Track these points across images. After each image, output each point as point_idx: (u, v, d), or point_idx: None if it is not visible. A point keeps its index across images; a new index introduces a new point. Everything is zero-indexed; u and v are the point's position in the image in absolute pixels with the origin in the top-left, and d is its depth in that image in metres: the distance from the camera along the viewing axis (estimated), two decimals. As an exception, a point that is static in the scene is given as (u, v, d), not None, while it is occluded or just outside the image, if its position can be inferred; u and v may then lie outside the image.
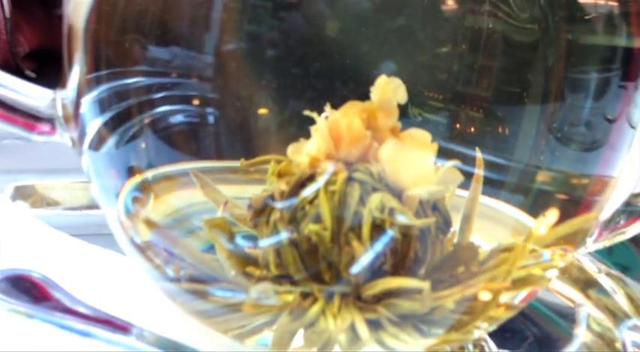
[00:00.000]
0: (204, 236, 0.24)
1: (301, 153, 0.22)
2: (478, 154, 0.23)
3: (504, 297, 0.24)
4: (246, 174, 0.24)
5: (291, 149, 0.22)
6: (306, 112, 0.22)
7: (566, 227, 0.24)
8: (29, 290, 0.26)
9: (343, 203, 0.21)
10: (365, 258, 0.21)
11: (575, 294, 0.31)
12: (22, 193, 0.37)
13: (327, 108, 0.22)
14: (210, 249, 0.24)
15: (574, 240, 0.25)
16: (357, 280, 0.22)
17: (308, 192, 0.22)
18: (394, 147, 0.22)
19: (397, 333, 0.22)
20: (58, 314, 0.25)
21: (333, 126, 0.22)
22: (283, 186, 0.22)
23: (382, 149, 0.22)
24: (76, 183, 0.38)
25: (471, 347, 0.26)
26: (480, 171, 0.23)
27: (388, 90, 0.22)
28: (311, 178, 0.22)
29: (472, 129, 0.24)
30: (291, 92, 0.23)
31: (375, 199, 0.21)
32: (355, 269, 0.21)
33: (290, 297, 0.22)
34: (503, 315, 0.25)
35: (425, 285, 0.22)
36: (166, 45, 0.23)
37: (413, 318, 0.22)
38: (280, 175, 0.22)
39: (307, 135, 0.22)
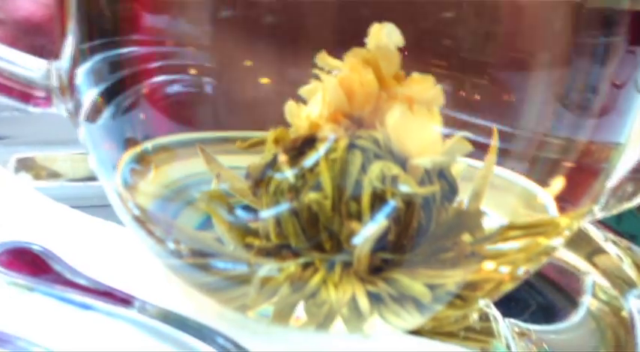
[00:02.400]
0: (203, 208, 0.23)
1: (300, 117, 0.22)
2: (494, 125, 0.23)
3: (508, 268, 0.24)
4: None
5: (288, 109, 0.22)
6: (315, 71, 0.21)
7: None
8: (29, 262, 0.26)
9: (344, 171, 0.21)
10: (366, 229, 0.21)
11: (580, 262, 0.30)
12: (23, 165, 0.37)
13: (325, 59, 0.21)
14: (209, 221, 0.23)
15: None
16: (358, 251, 0.21)
17: (309, 161, 0.21)
18: (401, 114, 0.21)
19: (398, 310, 0.22)
20: (59, 286, 0.24)
21: (344, 82, 0.21)
22: (282, 153, 0.22)
23: (389, 115, 0.21)
24: (77, 154, 0.37)
25: (475, 315, 0.26)
26: (495, 142, 0.22)
27: (382, 36, 0.21)
28: (311, 143, 0.21)
29: (476, 97, 0.23)
30: (290, 59, 0.22)
31: (375, 169, 0.21)
32: (356, 240, 0.21)
33: (291, 267, 0.22)
34: (507, 286, 0.24)
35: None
36: (162, 13, 0.23)
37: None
38: (277, 141, 0.22)
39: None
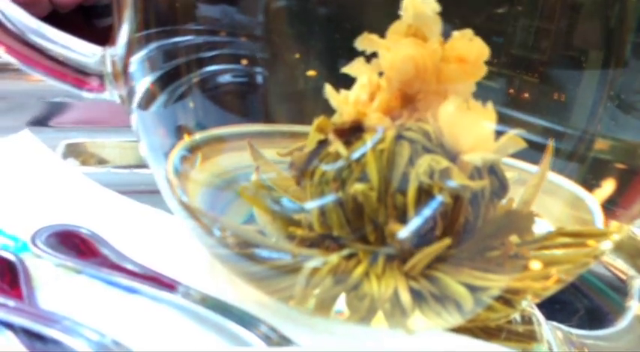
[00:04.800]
0: (246, 199, 0.23)
1: (346, 101, 0.21)
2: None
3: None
4: (294, 138, 0.23)
5: (328, 92, 0.21)
6: (361, 44, 0.21)
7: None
8: (77, 245, 0.26)
9: (392, 162, 0.21)
10: (411, 223, 0.21)
11: (627, 267, 0.30)
12: (72, 151, 0.37)
13: (368, 39, 0.21)
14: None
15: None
16: (402, 244, 0.21)
17: (356, 153, 0.21)
18: (455, 108, 0.21)
19: (439, 310, 0.22)
20: (106, 270, 0.25)
21: (398, 62, 0.21)
22: (332, 137, 0.21)
23: (442, 108, 0.21)
24: (125, 142, 0.38)
25: (518, 318, 0.26)
26: (549, 153, 0.22)
27: (418, 4, 0.21)
28: (357, 132, 0.21)
29: (527, 95, 0.23)
30: (342, 52, 0.22)
31: (423, 163, 0.21)
32: (401, 234, 0.21)
33: (334, 259, 0.22)
34: (552, 289, 0.24)
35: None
36: (216, 3, 0.23)
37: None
38: (320, 129, 0.22)
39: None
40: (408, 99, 0.21)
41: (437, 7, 0.21)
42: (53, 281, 0.25)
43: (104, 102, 0.27)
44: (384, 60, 0.21)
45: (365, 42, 0.21)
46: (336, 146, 0.21)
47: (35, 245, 0.26)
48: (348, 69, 0.21)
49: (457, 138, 0.21)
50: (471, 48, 0.21)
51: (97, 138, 0.38)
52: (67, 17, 0.53)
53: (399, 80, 0.21)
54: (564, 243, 0.23)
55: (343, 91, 0.22)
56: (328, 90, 0.21)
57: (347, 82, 0.22)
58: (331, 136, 0.21)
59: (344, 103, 0.21)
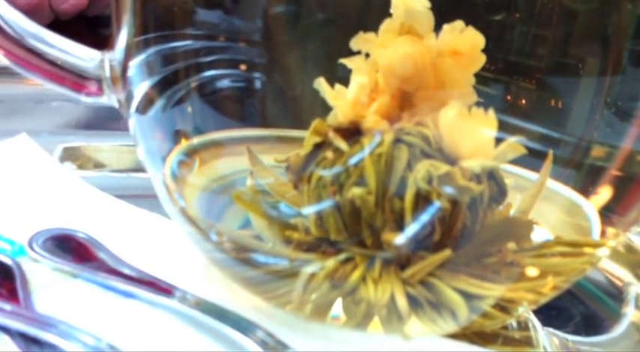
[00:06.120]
0: (242, 205, 0.23)
1: (343, 98, 0.21)
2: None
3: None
4: (293, 143, 0.23)
5: (321, 87, 0.21)
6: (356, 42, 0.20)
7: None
8: (74, 249, 0.26)
9: (390, 167, 0.21)
10: (408, 229, 0.21)
11: (624, 273, 0.30)
12: (70, 155, 0.37)
13: (364, 39, 0.21)
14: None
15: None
16: (399, 250, 0.21)
17: (352, 159, 0.21)
18: (456, 114, 0.21)
19: (434, 317, 0.22)
20: (102, 274, 0.25)
21: (396, 60, 0.21)
22: (332, 135, 0.21)
23: (443, 113, 0.21)
24: (122, 146, 0.38)
25: (514, 324, 0.26)
26: (548, 163, 0.22)
27: (407, 2, 0.21)
28: (354, 135, 0.21)
29: (524, 102, 0.23)
30: (340, 57, 0.22)
31: (421, 169, 0.21)
32: (398, 239, 0.21)
33: (330, 263, 0.22)
34: (548, 295, 0.24)
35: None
36: (215, 8, 0.23)
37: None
38: (316, 132, 0.21)
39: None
40: (407, 98, 0.21)
41: (427, 3, 0.21)
42: (50, 285, 0.25)
43: (102, 107, 0.27)
44: (382, 59, 0.21)
45: (360, 41, 0.21)
46: (337, 142, 0.21)
47: (32, 249, 0.26)
48: (348, 61, 0.21)
49: (457, 144, 0.21)
50: (463, 39, 0.21)
51: (94, 142, 0.38)
52: (71, 27, 0.53)
53: (398, 78, 0.21)
54: (561, 252, 0.23)
55: (337, 86, 0.22)
56: (321, 84, 0.21)
57: (345, 85, 0.22)
58: (330, 134, 0.21)
59: (337, 99, 0.21)
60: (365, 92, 0.21)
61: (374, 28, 0.21)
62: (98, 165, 0.38)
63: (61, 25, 0.51)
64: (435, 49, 0.21)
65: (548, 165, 0.22)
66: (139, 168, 0.27)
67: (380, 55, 0.21)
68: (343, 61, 0.21)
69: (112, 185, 0.34)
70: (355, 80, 0.21)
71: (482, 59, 0.21)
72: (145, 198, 0.28)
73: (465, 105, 0.21)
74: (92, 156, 0.38)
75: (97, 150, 0.38)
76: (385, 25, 0.21)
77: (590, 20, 0.23)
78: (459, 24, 0.21)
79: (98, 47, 0.26)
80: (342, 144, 0.21)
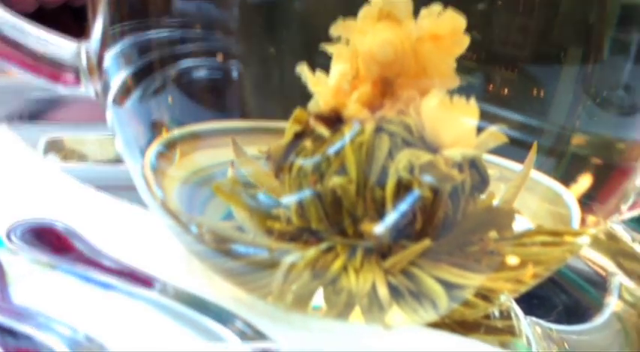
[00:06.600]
0: (222, 196, 0.23)
1: (324, 84, 0.21)
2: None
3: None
4: (275, 134, 0.23)
5: (303, 74, 0.21)
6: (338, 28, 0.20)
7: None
8: (52, 241, 0.26)
9: (371, 156, 0.21)
10: (389, 218, 0.21)
11: (607, 263, 0.30)
12: (52, 147, 0.37)
13: (343, 25, 0.20)
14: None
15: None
16: (381, 239, 0.21)
17: (334, 146, 0.21)
18: (439, 102, 0.21)
19: (415, 306, 0.22)
20: (81, 265, 0.25)
21: (376, 46, 0.21)
22: (314, 123, 0.21)
23: (425, 102, 0.21)
24: (105, 137, 0.38)
25: (497, 313, 0.26)
26: (533, 153, 0.22)
27: None
28: (335, 124, 0.21)
29: (506, 91, 0.23)
30: (320, 46, 0.22)
31: (402, 158, 0.21)
32: (379, 229, 0.21)
33: (312, 252, 0.21)
34: (529, 283, 0.24)
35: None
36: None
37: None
38: (297, 121, 0.21)
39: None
40: (389, 84, 0.21)
41: None
42: (27, 276, 0.24)
43: (84, 98, 0.27)
44: (362, 45, 0.21)
45: (340, 28, 0.21)
46: (318, 129, 0.21)
47: (10, 240, 0.26)
48: (329, 46, 0.21)
49: (438, 133, 0.21)
50: (441, 23, 0.21)
51: (77, 134, 0.38)
52: (56, 17, 0.53)
53: (378, 64, 0.21)
54: (542, 242, 0.23)
55: (318, 73, 0.21)
56: (303, 70, 0.21)
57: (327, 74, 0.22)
58: (312, 121, 0.21)
59: (318, 85, 0.21)
60: (346, 79, 0.21)
61: (354, 14, 0.21)
62: (82, 157, 0.38)
63: (46, 15, 0.51)
64: (414, 34, 0.21)
65: (532, 156, 0.22)
66: (123, 160, 0.26)
67: (360, 41, 0.21)
68: (324, 46, 0.21)
69: (94, 176, 0.34)
70: (336, 67, 0.21)
71: (465, 41, 0.21)
72: (129, 189, 0.28)
73: (446, 90, 0.21)
74: (75, 148, 0.38)
75: (79, 142, 0.38)
76: (363, 12, 0.21)
77: (572, 8, 0.22)
78: (436, 7, 0.20)
79: (83, 38, 0.26)
80: (324, 131, 0.21)
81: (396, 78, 0.21)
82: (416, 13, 0.21)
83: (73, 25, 0.53)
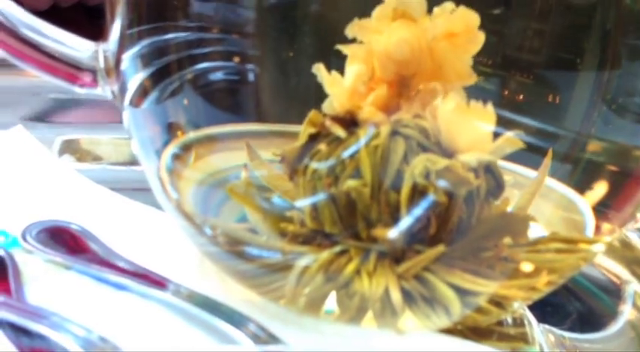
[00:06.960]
0: (236, 199, 0.23)
1: (340, 85, 0.21)
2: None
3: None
4: (291, 137, 0.23)
5: (319, 73, 0.21)
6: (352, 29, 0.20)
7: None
8: (68, 241, 0.26)
9: (386, 159, 0.20)
10: (403, 222, 0.21)
11: (621, 271, 0.30)
12: (68, 147, 0.37)
13: (359, 25, 0.20)
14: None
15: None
16: (394, 243, 0.21)
17: (347, 151, 0.21)
18: (455, 106, 0.21)
19: (428, 312, 0.22)
20: (95, 266, 0.25)
21: (392, 46, 0.21)
22: (321, 138, 0.21)
23: (442, 106, 0.21)
24: (120, 139, 0.38)
25: (510, 320, 0.26)
26: (548, 160, 0.22)
27: None
28: (351, 125, 0.21)
29: (521, 97, 0.23)
30: (335, 48, 0.22)
31: (418, 164, 0.20)
32: (393, 233, 0.21)
33: (325, 255, 0.21)
34: (543, 291, 0.24)
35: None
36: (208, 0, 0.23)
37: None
38: (312, 123, 0.21)
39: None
40: (405, 84, 0.21)
41: None
42: (42, 276, 0.25)
43: (100, 99, 0.27)
44: (378, 44, 0.21)
45: (355, 28, 0.21)
46: (334, 129, 0.21)
47: (25, 240, 0.26)
48: (344, 47, 0.21)
49: (454, 137, 0.21)
50: (455, 20, 0.20)
51: (93, 135, 0.38)
52: (70, 16, 0.53)
53: (395, 63, 0.21)
54: (557, 249, 0.23)
55: (334, 73, 0.21)
56: (320, 69, 0.21)
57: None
58: (327, 122, 0.21)
59: (334, 86, 0.21)
60: (362, 80, 0.21)
61: (369, 15, 0.21)
62: (96, 158, 0.38)
63: (60, 14, 0.51)
64: (429, 32, 0.21)
65: (547, 162, 0.22)
66: (137, 161, 0.27)
67: (375, 41, 0.21)
68: (339, 47, 0.21)
69: (109, 178, 0.34)
70: (352, 67, 0.21)
71: (480, 39, 0.21)
72: (144, 191, 0.28)
73: (463, 88, 0.21)
74: (90, 149, 0.38)
75: (95, 143, 0.38)
76: (377, 11, 0.21)
77: (588, 14, 0.22)
78: (448, 5, 0.20)
79: (97, 38, 0.26)
80: (340, 131, 0.21)
81: (413, 77, 0.21)
82: (429, 13, 0.21)
83: (87, 23, 0.53)
